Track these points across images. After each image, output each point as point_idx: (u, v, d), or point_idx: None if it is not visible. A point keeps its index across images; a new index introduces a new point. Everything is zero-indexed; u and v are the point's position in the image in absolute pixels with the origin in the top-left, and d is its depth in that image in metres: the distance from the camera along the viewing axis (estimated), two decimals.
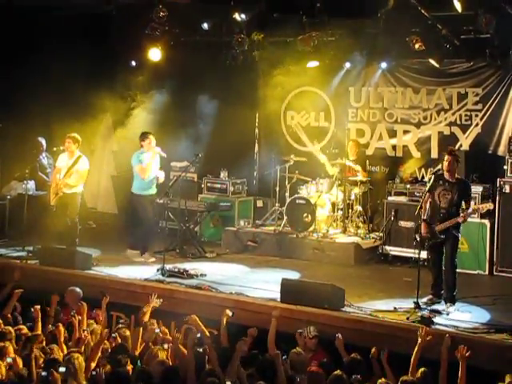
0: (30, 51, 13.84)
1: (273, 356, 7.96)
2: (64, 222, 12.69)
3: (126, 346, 8.66)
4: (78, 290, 10.74)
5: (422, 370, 7.74)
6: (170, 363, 8.13)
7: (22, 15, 13.95)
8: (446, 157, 10.30)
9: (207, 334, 8.94)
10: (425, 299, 10.24)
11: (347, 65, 14.70)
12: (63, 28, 13.95)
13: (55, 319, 9.65)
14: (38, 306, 9.40)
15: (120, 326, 9.54)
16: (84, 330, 8.79)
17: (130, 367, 7.97)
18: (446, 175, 10.20)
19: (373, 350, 8.42)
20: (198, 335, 8.45)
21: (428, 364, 8.08)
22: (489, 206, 10.34)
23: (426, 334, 8.51)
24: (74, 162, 12.75)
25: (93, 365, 7.93)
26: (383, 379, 7.46)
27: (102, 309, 9.90)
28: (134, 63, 15.60)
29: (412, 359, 8.25)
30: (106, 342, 8.48)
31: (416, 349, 8.36)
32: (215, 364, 7.92)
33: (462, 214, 10.00)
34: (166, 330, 9.44)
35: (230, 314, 9.30)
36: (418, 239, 10.26)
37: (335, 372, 7.66)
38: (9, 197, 14.30)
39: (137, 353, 8.66)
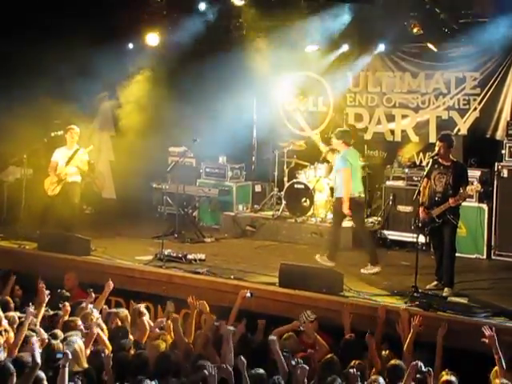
0: (25, 38, 13.77)
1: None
2: (65, 209, 12.69)
3: (127, 330, 8.70)
4: (75, 274, 10.79)
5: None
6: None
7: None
8: (437, 142, 10.34)
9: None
10: (430, 285, 10.28)
11: (345, 47, 14.67)
12: (61, 13, 13.88)
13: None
14: (48, 291, 9.39)
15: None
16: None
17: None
18: (441, 159, 10.21)
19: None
20: (217, 323, 8.42)
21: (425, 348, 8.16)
22: (475, 187, 10.21)
23: (420, 322, 8.57)
24: (74, 153, 12.78)
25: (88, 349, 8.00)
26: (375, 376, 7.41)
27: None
28: (131, 48, 15.58)
29: (406, 345, 8.32)
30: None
31: (410, 336, 8.42)
32: (228, 353, 7.82)
33: (453, 198, 9.99)
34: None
35: (248, 294, 9.28)
36: (419, 224, 10.27)
37: (327, 356, 7.69)
38: (7, 182, 14.31)
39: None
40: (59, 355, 7.14)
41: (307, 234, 13.43)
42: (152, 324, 9.08)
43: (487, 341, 7.55)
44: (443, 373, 7.35)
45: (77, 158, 12.77)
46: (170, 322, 8.83)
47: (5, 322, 8.46)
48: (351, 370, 7.17)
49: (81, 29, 13.72)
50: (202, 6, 14.10)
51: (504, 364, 7.30)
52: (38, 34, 13.53)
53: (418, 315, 8.70)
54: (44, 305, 9.19)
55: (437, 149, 10.26)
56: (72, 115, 13.18)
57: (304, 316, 9.14)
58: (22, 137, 13.56)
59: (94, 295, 9.69)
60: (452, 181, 10.06)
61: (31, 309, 8.35)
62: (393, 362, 7.62)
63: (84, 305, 9.30)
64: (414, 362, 7.21)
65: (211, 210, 14.83)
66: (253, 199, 15.18)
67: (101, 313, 9.31)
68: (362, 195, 11.73)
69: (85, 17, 14.09)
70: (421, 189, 10.28)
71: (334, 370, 7.35)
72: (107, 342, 8.30)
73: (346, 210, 11.29)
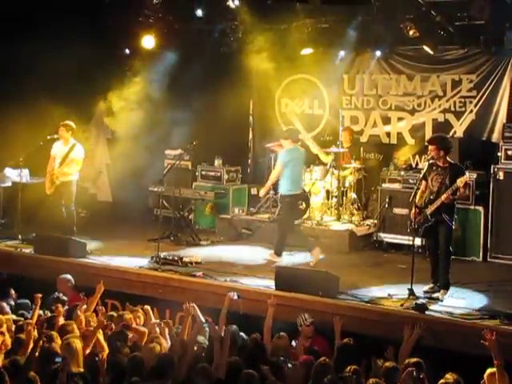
0: (22, 41, 13.76)
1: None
2: (60, 211, 12.68)
3: (125, 333, 8.68)
4: (69, 276, 10.76)
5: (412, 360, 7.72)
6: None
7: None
8: (429, 147, 10.31)
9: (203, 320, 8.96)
10: (426, 287, 10.24)
11: (341, 53, 14.71)
12: (55, 15, 13.88)
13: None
14: (40, 295, 9.40)
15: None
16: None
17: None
18: (438, 162, 10.20)
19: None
20: (206, 325, 8.41)
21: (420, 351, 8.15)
22: (464, 178, 9.86)
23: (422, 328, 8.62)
24: (69, 150, 12.74)
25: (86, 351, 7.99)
26: (374, 379, 7.36)
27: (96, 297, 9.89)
28: (127, 51, 15.59)
29: (405, 349, 8.32)
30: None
31: (410, 341, 8.44)
32: (220, 355, 7.84)
33: (445, 194, 9.95)
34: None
35: (235, 296, 9.25)
36: (415, 226, 10.25)
37: (320, 359, 7.68)
38: (3, 185, 14.29)
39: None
40: (58, 359, 7.12)
41: (303, 237, 13.39)
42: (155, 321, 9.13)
43: (487, 343, 7.51)
44: (447, 375, 7.34)
45: (71, 156, 12.71)
46: (164, 325, 8.85)
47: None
48: (348, 374, 7.16)
49: (77, 32, 13.71)
50: (198, 10, 14.11)
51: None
52: (35, 37, 13.51)
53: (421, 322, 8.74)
54: (38, 308, 9.20)
55: (430, 153, 10.25)
56: (68, 118, 13.14)
57: (301, 319, 9.13)
58: (18, 140, 13.56)
59: (86, 299, 9.70)
60: (448, 181, 10.00)
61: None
62: (388, 364, 7.61)
63: (78, 308, 9.30)
64: (410, 368, 7.20)
65: (207, 212, 14.80)
66: (249, 202, 15.17)
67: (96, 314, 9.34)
68: (298, 192, 12.37)
69: (82, 20, 14.09)
70: (418, 192, 10.29)
71: (328, 373, 7.33)
72: (104, 344, 8.29)
73: (261, 193, 12.89)
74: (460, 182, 9.82)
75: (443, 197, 9.89)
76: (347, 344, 8.33)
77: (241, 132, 15.96)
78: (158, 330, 8.86)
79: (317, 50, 14.50)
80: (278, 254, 12.09)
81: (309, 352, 8.25)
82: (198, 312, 9.01)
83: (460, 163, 10.98)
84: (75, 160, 12.74)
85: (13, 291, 10.56)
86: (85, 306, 9.44)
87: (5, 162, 14.17)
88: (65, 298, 10.08)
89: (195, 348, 8.05)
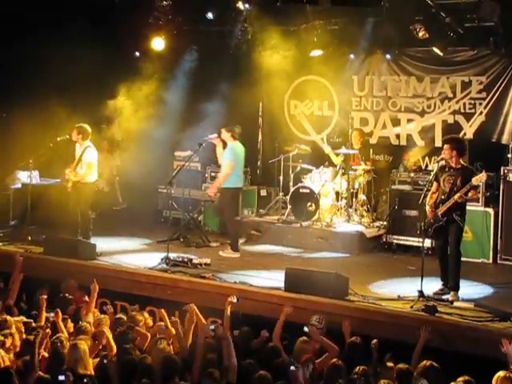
0: (34, 44, 13.81)
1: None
2: (75, 214, 12.62)
3: (129, 336, 8.67)
4: (72, 281, 10.77)
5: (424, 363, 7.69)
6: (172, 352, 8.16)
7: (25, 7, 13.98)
8: (444, 146, 10.32)
9: (204, 322, 8.94)
10: (436, 289, 10.22)
11: (351, 56, 14.71)
12: (65, 17, 13.92)
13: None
14: (45, 296, 9.43)
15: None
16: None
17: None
18: (450, 163, 10.20)
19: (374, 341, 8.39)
20: (212, 327, 8.42)
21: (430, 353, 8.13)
22: (480, 177, 9.88)
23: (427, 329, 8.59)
24: (81, 153, 12.74)
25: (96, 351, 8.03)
26: (386, 381, 7.30)
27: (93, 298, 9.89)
28: (137, 53, 15.60)
29: (414, 352, 8.29)
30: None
31: (419, 343, 8.41)
32: (229, 355, 7.84)
33: (458, 194, 9.94)
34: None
35: (234, 300, 9.26)
36: (425, 227, 10.23)
37: (333, 360, 7.66)
38: (13, 187, 14.33)
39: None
40: (61, 377, 7.11)
41: (313, 239, 13.39)
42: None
43: (504, 350, 7.46)
44: (458, 379, 7.31)
45: (82, 159, 12.69)
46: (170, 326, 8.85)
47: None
48: (357, 376, 7.14)
49: (87, 34, 13.75)
50: (208, 12, 14.13)
51: None
52: (45, 39, 13.58)
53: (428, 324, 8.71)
54: (44, 309, 9.23)
55: (443, 152, 10.25)
56: (78, 120, 13.16)
57: (313, 320, 9.07)
58: (28, 141, 13.58)
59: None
60: (460, 182, 10.00)
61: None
62: (401, 365, 7.58)
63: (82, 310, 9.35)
64: None
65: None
66: (258, 204, 15.16)
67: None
68: (240, 186, 12.94)
69: (92, 22, 14.14)
70: (429, 193, 10.28)
71: (340, 374, 7.32)
72: (113, 344, 8.30)
73: (210, 192, 12.84)
74: (475, 180, 9.82)
75: (456, 196, 9.88)
76: (354, 342, 8.31)
77: (250, 133, 15.94)
78: (173, 330, 8.87)
79: (326, 52, 14.49)
80: (235, 249, 12.52)
81: (319, 354, 8.23)
82: (197, 312, 9.03)
83: (470, 165, 10.96)
84: (86, 163, 12.68)
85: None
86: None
87: (15, 164, 14.21)
88: (71, 297, 10.10)
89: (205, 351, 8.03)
